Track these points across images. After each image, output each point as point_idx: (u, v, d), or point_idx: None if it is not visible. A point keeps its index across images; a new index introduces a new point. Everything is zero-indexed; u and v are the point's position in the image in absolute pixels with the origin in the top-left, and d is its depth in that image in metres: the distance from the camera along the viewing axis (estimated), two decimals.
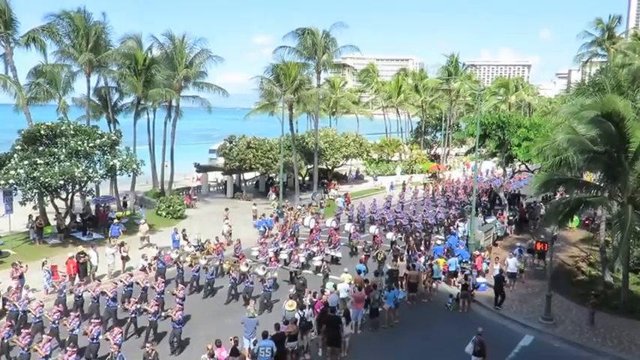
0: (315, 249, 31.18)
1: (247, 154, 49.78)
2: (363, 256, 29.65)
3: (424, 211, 41.67)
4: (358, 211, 41.40)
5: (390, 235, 34.25)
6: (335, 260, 31.06)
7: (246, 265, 26.92)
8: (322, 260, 29.01)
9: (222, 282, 26.86)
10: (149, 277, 25.16)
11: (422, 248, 32.00)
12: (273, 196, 45.65)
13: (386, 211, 41.83)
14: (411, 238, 33.33)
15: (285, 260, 29.84)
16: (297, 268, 28.73)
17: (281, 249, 31.04)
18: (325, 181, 57.87)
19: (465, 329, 22.38)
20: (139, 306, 21.25)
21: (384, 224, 38.98)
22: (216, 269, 27.66)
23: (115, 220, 34.83)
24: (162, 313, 21.11)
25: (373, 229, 35.56)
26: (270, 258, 28.78)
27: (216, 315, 23.50)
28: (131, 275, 25.40)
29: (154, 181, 50.15)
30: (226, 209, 39.62)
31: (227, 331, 19.52)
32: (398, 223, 38.73)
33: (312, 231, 34.84)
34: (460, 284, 25.44)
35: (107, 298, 21.59)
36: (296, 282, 24.57)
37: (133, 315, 20.92)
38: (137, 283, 23.91)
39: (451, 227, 37.64)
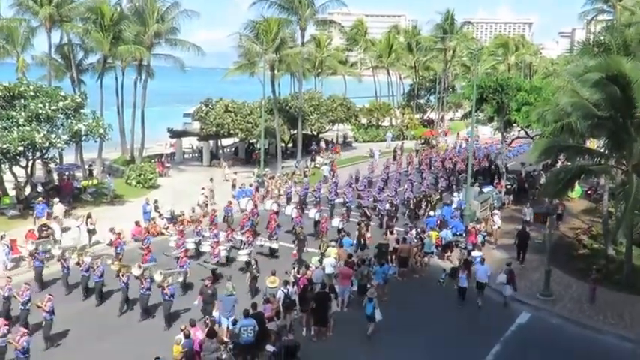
0: (242, 238, 27.09)
1: (225, 118, 49.18)
2: (294, 252, 26.63)
3: (392, 188, 38.55)
4: (314, 189, 38.07)
5: (335, 222, 30.61)
6: (272, 252, 27.69)
7: (139, 267, 22.67)
8: (249, 254, 25.33)
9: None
10: (12, 284, 20.36)
11: (369, 235, 28.64)
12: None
13: (348, 189, 37.45)
14: (362, 224, 29.69)
15: (209, 253, 26.34)
16: (217, 263, 25.15)
17: (205, 237, 27.53)
18: (315, 147, 57.40)
19: (458, 306, 22.65)
20: None
21: (344, 204, 35.06)
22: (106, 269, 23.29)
23: (40, 199, 31.59)
24: None
25: (313, 213, 31.64)
26: (182, 253, 24.60)
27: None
28: None
29: (123, 148, 49.60)
30: (211, 180, 39.30)
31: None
32: (358, 205, 35.96)
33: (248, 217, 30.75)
34: (461, 260, 25.39)
35: None
36: (204, 291, 20.22)
37: None
38: None
39: (417, 210, 34.90)
